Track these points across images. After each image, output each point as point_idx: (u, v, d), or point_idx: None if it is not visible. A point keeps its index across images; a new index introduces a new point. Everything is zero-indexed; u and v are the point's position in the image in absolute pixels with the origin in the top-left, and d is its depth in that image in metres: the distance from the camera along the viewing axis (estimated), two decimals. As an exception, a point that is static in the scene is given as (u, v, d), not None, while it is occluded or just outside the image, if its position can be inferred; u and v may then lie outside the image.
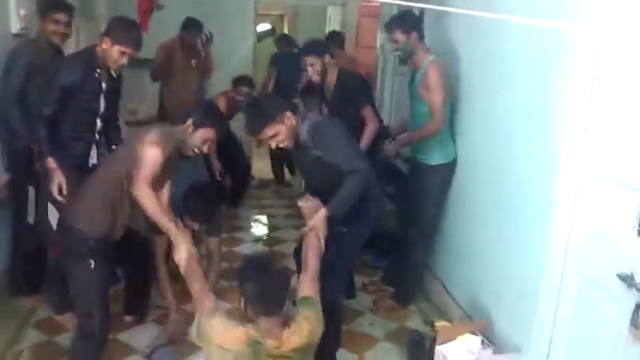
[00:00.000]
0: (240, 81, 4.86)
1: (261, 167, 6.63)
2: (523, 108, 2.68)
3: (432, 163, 3.39)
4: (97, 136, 3.18)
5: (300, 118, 2.68)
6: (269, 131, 2.59)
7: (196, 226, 3.23)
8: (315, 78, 3.75)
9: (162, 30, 5.11)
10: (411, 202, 3.53)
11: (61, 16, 3.22)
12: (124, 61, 2.95)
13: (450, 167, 3.42)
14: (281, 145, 2.66)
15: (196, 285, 2.45)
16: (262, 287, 2.03)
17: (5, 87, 3.13)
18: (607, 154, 2.11)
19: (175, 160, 2.74)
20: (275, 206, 5.74)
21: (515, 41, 2.76)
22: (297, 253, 2.91)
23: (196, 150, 2.75)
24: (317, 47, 3.78)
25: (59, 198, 2.91)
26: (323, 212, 2.60)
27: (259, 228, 5.18)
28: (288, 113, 2.61)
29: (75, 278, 2.58)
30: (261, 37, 6.65)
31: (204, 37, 5.03)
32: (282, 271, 2.31)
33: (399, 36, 3.33)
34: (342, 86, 3.77)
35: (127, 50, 2.91)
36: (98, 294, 2.57)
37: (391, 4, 3.98)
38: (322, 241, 2.55)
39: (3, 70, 3.15)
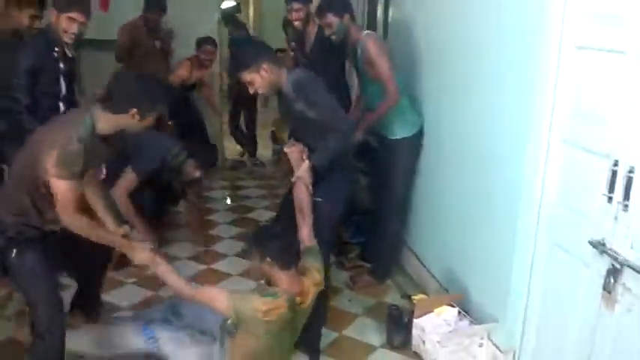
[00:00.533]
0: (204, 41, 5.06)
1: (233, 148, 6.56)
2: (494, 75, 2.65)
3: (396, 137, 3.39)
4: None
5: (284, 71, 2.73)
6: (245, 76, 2.67)
7: (198, 173, 3.72)
8: (297, 24, 3.88)
9: (124, 10, 4.99)
10: (381, 176, 3.53)
11: (39, 12, 3.21)
12: (74, 28, 2.95)
13: (416, 140, 3.43)
14: (260, 92, 2.74)
15: (175, 279, 2.38)
16: (282, 241, 2.36)
17: None
18: (576, 121, 2.11)
19: (99, 147, 2.35)
20: (249, 187, 5.69)
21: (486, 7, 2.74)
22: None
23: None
24: None
25: None
26: (307, 164, 2.68)
27: (233, 210, 5.13)
28: (266, 65, 2.65)
29: (8, 269, 2.37)
30: (225, 14, 6.50)
31: (166, 31, 4.98)
32: (288, 227, 2.64)
33: (332, 19, 3.33)
34: (322, 39, 3.79)
35: (73, 15, 2.93)
36: (34, 285, 2.33)
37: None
38: (310, 188, 2.66)
39: None
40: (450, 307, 2.77)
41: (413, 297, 2.98)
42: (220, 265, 3.82)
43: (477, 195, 2.83)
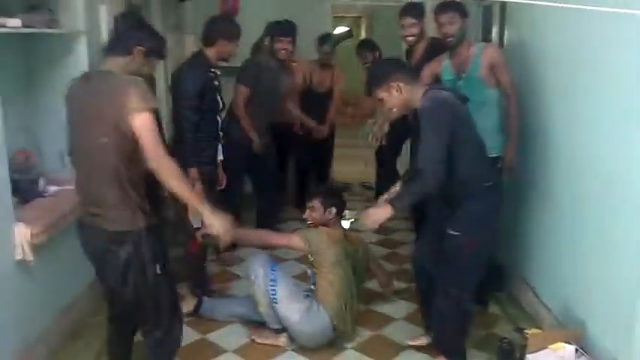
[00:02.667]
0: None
1: (339, 170, 6.60)
2: (615, 96, 2.51)
3: (495, 155, 3.20)
4: (221, 133, 3.48)
5: (419, 89, 2.61)
6: (378, 93, 2.62)
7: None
8: (410, 39, 3.83)
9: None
10: None
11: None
12: (233, 52, 3.44)
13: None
14: (394, 112, 2.65)
15: (261, 235, 3.50)
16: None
17: None
18: None
19: None
20: (355, 209, 5.67)
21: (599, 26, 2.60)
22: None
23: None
24: (415, 9, 3.86)
25: None
26: (386, 212, 2.50)
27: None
28: (397, 84, 2.56)
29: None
30: (338, 39, 6.64)
31: None
32: None
33: (457, 19, 3.23)
34: (428, 57, 3.66)
35: (237, 42, 3.44)
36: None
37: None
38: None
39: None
40: (566, 344, 2.61)
41: (526, 331, 2.84)
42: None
43: (596, 224, 2.67)
